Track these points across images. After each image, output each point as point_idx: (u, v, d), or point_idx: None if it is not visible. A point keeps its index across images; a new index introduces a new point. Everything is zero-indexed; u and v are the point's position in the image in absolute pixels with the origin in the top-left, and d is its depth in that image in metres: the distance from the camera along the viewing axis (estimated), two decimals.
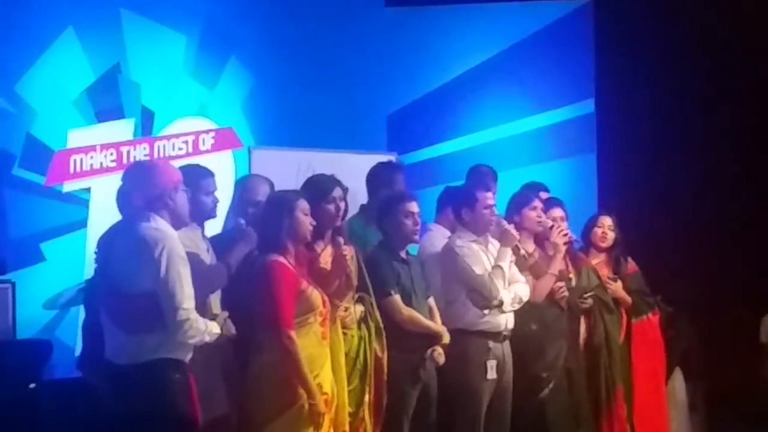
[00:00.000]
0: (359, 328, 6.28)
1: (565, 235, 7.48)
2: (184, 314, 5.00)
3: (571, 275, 7.53)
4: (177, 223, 5.32)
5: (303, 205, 5.82)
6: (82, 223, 8.58)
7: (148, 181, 5.25)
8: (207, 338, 5.15)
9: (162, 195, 5.22)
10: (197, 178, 5.88)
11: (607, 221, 8.04)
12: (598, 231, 8.01)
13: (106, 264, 5.29)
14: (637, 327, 7.94)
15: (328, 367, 5.80)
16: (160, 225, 5.15)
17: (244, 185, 6.50)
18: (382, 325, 6.37)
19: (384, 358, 6.35)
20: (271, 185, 6.44)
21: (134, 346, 5.09)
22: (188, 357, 5.18)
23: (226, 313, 5.45)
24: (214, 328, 5.23)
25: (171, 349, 5.09)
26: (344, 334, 6.13)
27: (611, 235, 7.99)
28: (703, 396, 9.24)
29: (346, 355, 6.10)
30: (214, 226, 6.41)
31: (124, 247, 5.16)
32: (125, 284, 5.09)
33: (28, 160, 8.33)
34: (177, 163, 6.57)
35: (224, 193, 6.37)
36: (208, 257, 5.91)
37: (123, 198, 5.57)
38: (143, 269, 5.05)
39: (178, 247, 5.12)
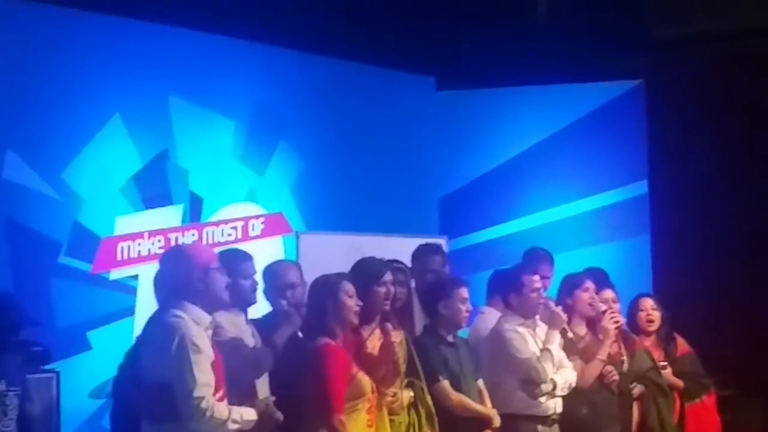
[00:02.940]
0: (408, 413, 6.19)
1: (617, 321, 7.33)
2: (195, 402, 4.84)
3: (624, 358, 7.40)
4: (212, 305, 5.18)
5: (347, 287, 5.75)
6: (130, 311, 8.48)
7: (177, 267, 5.14)
8: (233, 426, 4.96)
9: (191, 280, 5.08)
10: (235, 262, 5.86)
11: (648, 303, 7.95)
12: (642, 315, 7.90)
13: (136, 353, 5.27)
14: (690, 410, 7.77)
15: None
16: (184, 312, 5.02)
17: (273, 272, 6.38)
18: (433, 410, 6.28)
19: None
20: (299, 267, 6.39)
21: None
22: None
23: (271, 398, 5.31)
24: (247, 414, 5.05)
25: None
26: (391, 420, 6.03)
27: (656, 315, 7.87)
28: None
29: None
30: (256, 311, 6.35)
31: (148, 336, 5.12)
32: (148, 373, 5.02)
33: (74, 247, 8.23)
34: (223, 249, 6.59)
35: None
36: (252, 341, 5.90)
37: (158, 284, 5.47)
38: (159, 358, 4.96)
39: (193, 333, 4.95)
